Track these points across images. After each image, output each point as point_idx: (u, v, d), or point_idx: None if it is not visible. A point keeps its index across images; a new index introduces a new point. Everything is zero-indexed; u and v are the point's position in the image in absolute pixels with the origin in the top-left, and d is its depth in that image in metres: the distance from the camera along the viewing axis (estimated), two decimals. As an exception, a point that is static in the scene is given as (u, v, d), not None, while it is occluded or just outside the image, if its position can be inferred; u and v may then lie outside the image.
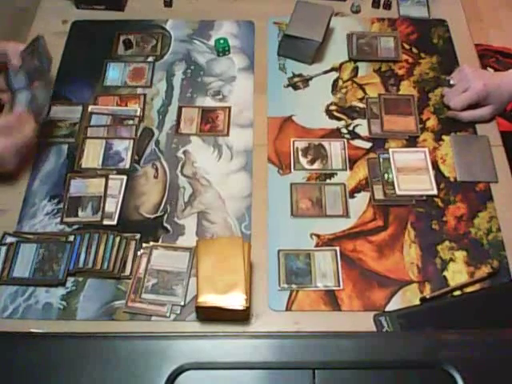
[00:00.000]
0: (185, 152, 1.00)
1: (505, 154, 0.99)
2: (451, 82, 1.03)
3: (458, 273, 0.87)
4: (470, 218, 0.92)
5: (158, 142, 1.01)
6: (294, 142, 1.01)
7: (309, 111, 1.05)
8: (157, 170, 0.98)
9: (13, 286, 0.85)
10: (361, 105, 1.06)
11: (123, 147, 1.00)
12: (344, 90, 1.08)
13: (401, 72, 1.10)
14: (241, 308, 0.78)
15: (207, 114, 1.05)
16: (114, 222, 0.91)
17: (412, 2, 1.21)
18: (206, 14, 1.19)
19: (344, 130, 1.02)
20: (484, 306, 0.83)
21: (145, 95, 1.07)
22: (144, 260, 0.87)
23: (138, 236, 0.90)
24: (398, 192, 0.94)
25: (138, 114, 1.04)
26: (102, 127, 1.02)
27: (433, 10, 1.20)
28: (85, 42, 1.15)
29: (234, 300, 0.78)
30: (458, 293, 0.85)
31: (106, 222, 0.91)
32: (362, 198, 0.94)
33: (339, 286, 0.85)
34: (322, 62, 1.12)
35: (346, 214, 0.92)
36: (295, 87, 1.08)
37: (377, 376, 0.51)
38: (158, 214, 0.93)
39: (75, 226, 0.91)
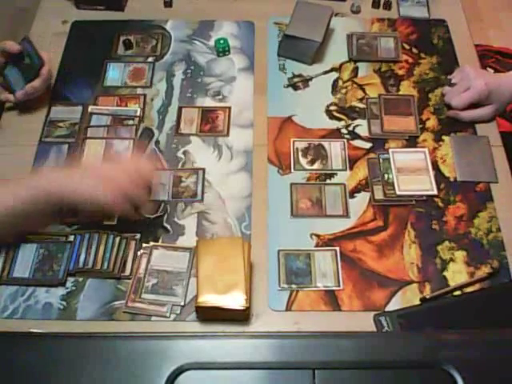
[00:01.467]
0: (185, 152, 1.00)
1: (505, 154, 0.99)
2: (452, 81, 1.03)
3: (457, 273, 0.87)
4: (470, 218, 0.92)
5: (158, 143, 1.01)
6: (294, 142, 1.01)
7: (309, 111, 1.05)
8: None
9: (13, 286, 0.85)
10: (361, 105, 1.06)
11: (123, 147, 1.00)
12: (344, 91, 1.08)
13: (401, 72, 1.10)
14: (241, 308, 0.78)
15: (207, 115, 1.05)
16: (114, 222, 0.91)
17: (412, 2, 1.21)
18: (206, 14, 1.19)
19: (344, 131, 1.02)
20: (484, 306, 0.83)
21: (145, 95, 1.07)
22: (144, 260, 0.87)
23: (138, 236, 0.90)
24: (398, 192, 0.94)
25: (138, 114, 1.04)
26: (102, 127, 1.02)
27: (433, 11, 1.20)
28: (85, 43, 1.15)
29: (234, 300, 0.78)
30: (458, 293, 0.85)
31: (106, 222, 0.91)
32: (362, 198, 0.94)
33: (339, 286, 0.85)
34: (322, 63, 1.12)
35: (346, 214, 0.92)
36: (295, 87, 1.08)
37: (377, 376, 0.51)
38: (158, 214, 0.93)
39: (75, 226, 0.91)
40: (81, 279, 0.86)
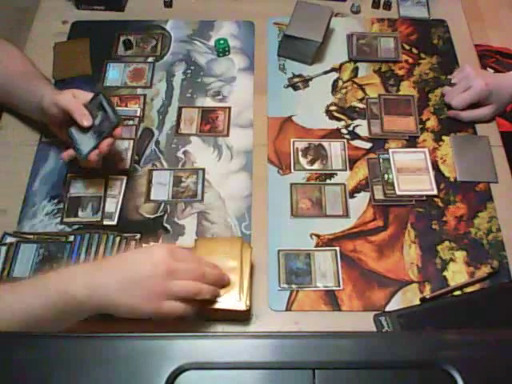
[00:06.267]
0: (185, 152, 1.00)
1: (505, 154, 0.99)
2: (452, 81, 1.03)
3: (458, 273, 0.87)
4: (470, 218, 0.92)
5: (158, 143, 1.01)
6: (293, 142, 1.01)
7: (309, 111, 1.05)
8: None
9: (13, 286, 0.85)
10: (361, 105, 1.06)
11: (123, 147, 1.00)
12: (344, 91, 1.08)
13: (401, 72, 1.10)
14: (241, 309, 0.77)
15: (207, 115, 1.05)
16: (114, 222, 0.91)
17: (412, 2, 1.21)
18: (206, 14, 1.19)
19: (344, 131, 1.02)
20: (484, 306, 0.83)
21: (145, 95, 1.07)
22: (144, 260, 0.87)
23: (137, 236, 0.90)
24: (398, 192, 0.94)
25: (138, 114, 1.04)
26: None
27: (433, 11, 1.20)
28: (85, 43, 1.15)
29: (235, 300, 0.78)
30: (458, 293, 0.85)
31: (106, 222, 0.91)
32: (362, 198, 0.94)
33: (339, 286, 0.85)
34: (322, 63, 1.12)
35: (346, 214, 0.92)
36: (295, 87, 1.08)
37: (377, 376, 0.51)
38: (158, 214, 0.93)
39: (75, 226, 0.91)
40: (81, 279, 0.85)
